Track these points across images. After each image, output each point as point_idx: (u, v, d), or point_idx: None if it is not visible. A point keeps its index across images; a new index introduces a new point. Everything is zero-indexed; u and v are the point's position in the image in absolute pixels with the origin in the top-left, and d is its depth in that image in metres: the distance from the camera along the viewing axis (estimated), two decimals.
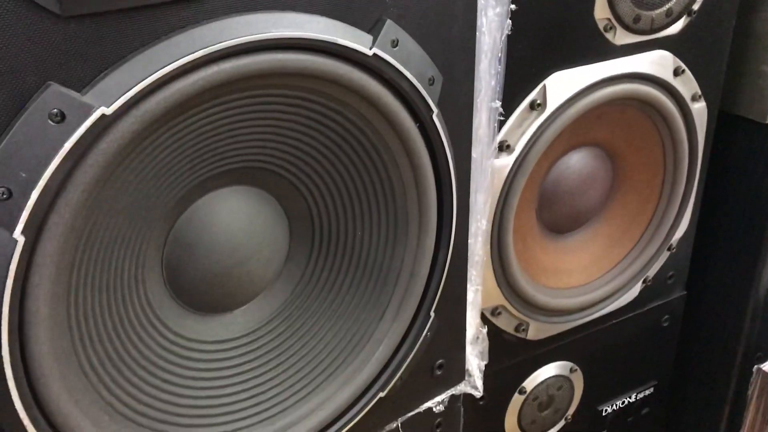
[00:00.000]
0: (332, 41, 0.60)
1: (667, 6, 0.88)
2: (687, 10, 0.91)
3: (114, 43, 0.51)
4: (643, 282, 1.07)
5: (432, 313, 0.79)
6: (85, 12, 0.49)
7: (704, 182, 1.06)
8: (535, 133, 0.84)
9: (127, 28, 0.51)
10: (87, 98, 0.50)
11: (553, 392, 1.08)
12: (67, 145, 0.50)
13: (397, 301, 0.76)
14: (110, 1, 0.49)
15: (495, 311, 0.94)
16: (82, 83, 0.51)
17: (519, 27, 0.78)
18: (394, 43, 0.65)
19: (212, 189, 0.67)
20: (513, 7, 0.73)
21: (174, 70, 0.53)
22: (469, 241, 0.82)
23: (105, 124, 0.51)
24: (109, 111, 0.51)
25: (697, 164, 1.02)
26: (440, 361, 0.85)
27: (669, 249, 1.07)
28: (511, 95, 0.82)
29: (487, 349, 0.91)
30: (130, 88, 0.51)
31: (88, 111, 0.50)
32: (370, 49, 0.63)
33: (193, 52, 0.53)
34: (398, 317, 0.77)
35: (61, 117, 0.50)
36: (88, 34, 0.50)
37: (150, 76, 0.52)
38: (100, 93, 0.51)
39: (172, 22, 0.53)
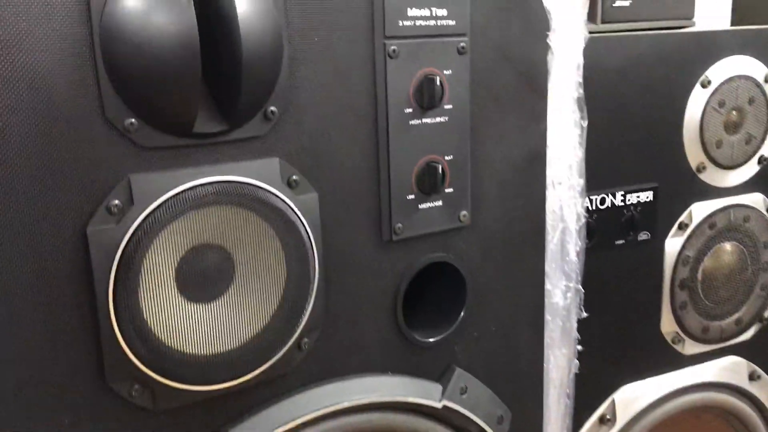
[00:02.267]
0: (403, 401, 0.62)
1: (736, 315, 0.88)
2: (758, 318, 0.90)
3: None
4: None
5: None
6: (174, 406, 0.53)
7: None
8: None
9: (210, 413, 0.55)
10: None
11: None
12: None
13: None
14: (195, 393, 0.53)
15: None
16: None
17: (586, 347, 0.79)
18: (463, 390, 0.67)
19: None
20: (578, 338, 0.75)
21: None
22: None
23: None
24: None
25: None
26: None
27: None
28: (579, 408, 0.82)
29: None
30: None
31: None
32: (440, 401, 0.65)
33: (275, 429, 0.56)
34: None
35: None
36: (176, 423, 0.54)
37: None
38: None
39: (252, 401, 0.57)
